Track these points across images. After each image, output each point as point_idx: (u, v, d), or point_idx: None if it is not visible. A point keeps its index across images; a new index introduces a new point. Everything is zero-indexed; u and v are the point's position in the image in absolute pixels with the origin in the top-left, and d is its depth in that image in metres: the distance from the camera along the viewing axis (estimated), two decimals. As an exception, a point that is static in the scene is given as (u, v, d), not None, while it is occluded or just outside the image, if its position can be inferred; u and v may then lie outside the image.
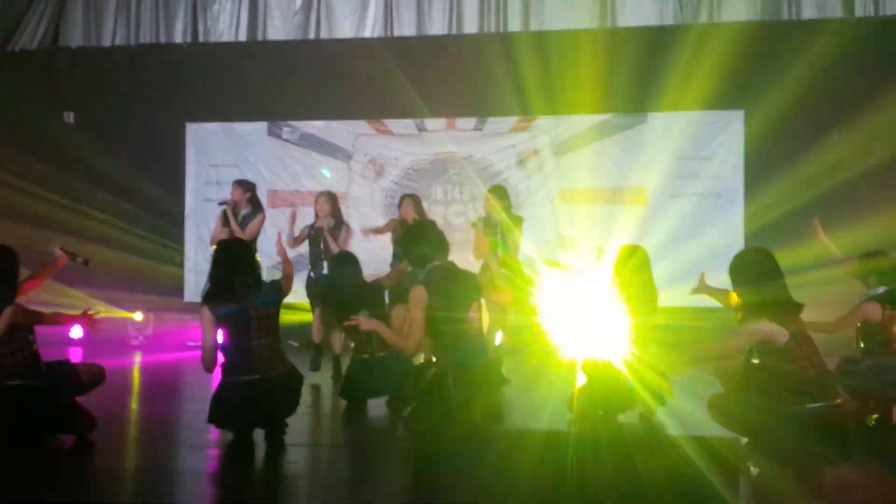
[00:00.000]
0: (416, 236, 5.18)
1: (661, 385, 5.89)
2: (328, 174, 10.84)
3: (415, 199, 8.56)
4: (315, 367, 7.89)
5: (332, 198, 8.44)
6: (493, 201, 7.89)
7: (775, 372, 4.57)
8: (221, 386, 5.28)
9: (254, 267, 5.56)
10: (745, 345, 4.75)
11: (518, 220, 7.99)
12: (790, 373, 4.52)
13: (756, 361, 4.74)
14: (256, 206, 8.64)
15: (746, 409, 4.69)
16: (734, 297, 4.92)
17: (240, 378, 5.19)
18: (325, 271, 8.07)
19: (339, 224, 8.31)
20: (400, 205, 8.57)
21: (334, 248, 8.05)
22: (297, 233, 8.36)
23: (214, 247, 6.83)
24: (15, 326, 5.15)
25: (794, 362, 4.52)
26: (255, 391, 5.15)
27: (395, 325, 6.17)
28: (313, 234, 8.29)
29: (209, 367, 5.29)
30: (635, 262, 6.20)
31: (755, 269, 4.72)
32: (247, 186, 8.69)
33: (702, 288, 6.08)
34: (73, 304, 9.89)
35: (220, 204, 8.69)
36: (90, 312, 5.51)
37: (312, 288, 8.21)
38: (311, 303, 8.23)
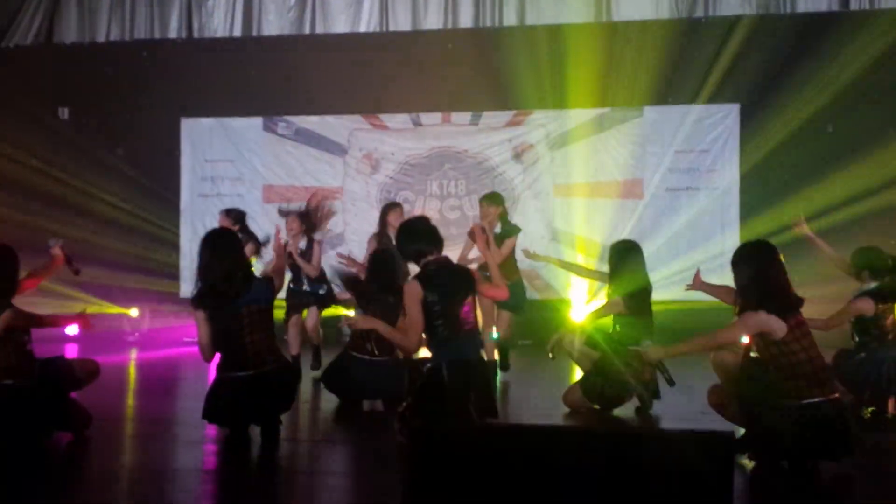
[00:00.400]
0: (410, 231, 5.16)
1: (655, 379, 5.91)
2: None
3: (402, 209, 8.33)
4: None
5: (300, 217, 7.94)
6: (487, 207, 7.57)
7: (773, 365, 4.57)
8: (216, 382, 5.32)
9: (244, 263, 5.53)
10: (744, 336, 4.75)
11: (514, 230, 7.61)
12: (788, 366, 4.52)
13: (754, 354, 4.75)
14: (247, 235, 7.93)
15: (744, 401, 4.70)
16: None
17: (234, 374, 5.20)
18: (306, 287, 7.92)
19: (309, 244, 7.92)
20: (386, 214, 8.21)
21: (309, 271, 7.81)
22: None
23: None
24: (11, 329, 5.13)
25: (792, 356, 4.52)
26: (249, 387, 5.16)
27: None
28: (288, 253, 7.71)
29: (207, 359, 5.36)
30: (629, 257, 6.20)
31: (757, 261, 4.71)
32: (235, 217, 8.07)
33: (697, 285, 6.08)
34: (68, 302, 9.90)
35: None
36: (86, 313, 5.51)
37: (291, 299, 7.96)
38: (288, 311, 7.95)
